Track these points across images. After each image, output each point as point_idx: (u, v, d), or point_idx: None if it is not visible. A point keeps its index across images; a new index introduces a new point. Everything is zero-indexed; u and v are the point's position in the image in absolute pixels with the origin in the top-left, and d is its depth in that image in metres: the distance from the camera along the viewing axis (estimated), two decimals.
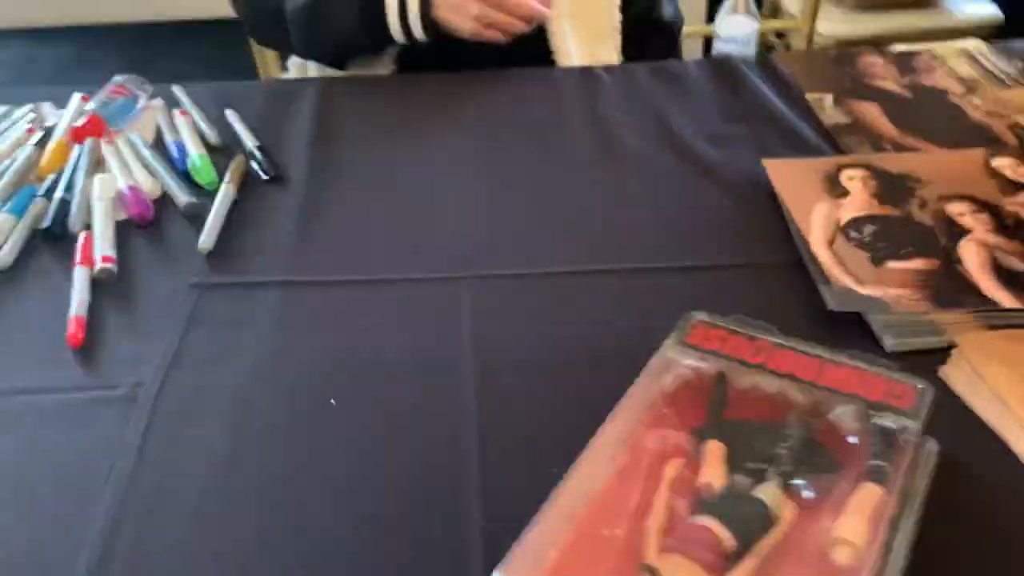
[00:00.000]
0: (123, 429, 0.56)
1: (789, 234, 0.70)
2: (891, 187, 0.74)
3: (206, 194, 0.79)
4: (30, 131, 0.87)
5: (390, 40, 0.98)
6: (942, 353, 0.59)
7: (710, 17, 1.60)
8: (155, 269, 0.71)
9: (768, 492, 0.47)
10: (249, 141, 0.85)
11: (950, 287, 0.63)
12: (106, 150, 0.83)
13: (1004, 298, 0.62)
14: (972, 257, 0.66)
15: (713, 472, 0.49)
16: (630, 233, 0.74)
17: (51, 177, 0.80)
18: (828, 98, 0.90)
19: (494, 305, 0.66)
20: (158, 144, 0.87)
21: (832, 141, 0.84)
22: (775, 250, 0.70)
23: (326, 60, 1.08)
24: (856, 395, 0.51)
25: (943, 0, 1.97)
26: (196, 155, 0.82)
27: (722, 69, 0.98)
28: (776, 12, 2.08)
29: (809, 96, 0.91)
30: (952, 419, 0.55)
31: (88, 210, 0.76)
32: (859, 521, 0.46)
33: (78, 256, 0.70)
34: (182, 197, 0.77)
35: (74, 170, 0.80)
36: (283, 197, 0.79)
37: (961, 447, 0.51)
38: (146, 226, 0.76)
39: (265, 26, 1.09)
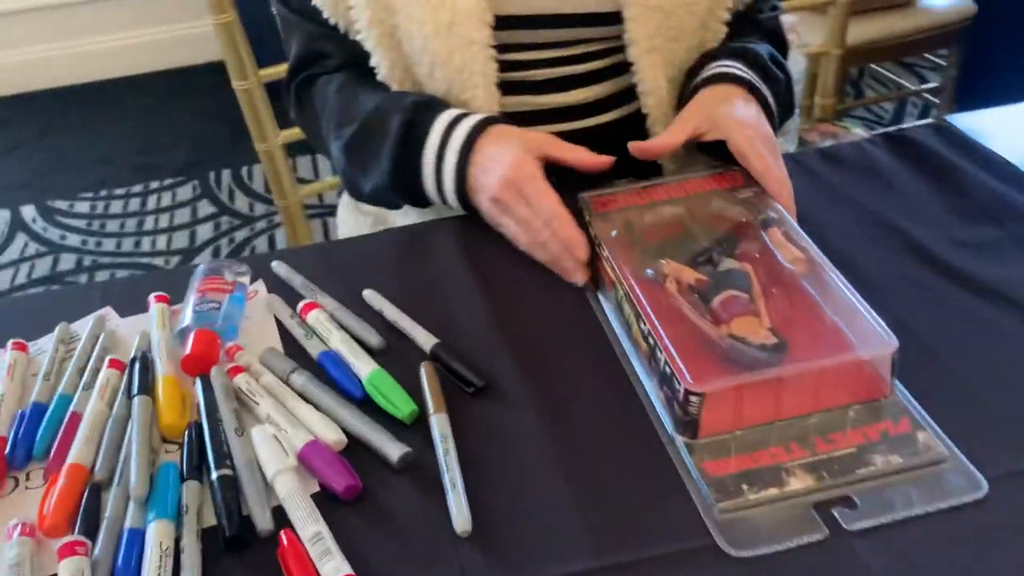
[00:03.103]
0: None
1: None
2: None
3: (404, 428, 0.59)
4: (117, 365, 0.64)
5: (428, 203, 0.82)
6: None
7: None
8: (404, 569, 0.51)
9: (731, 263, 0.65)
10: (424, 338, 0.66)
11: None
12: (243, 384, 0.62)
13: None
14: None
15: (689, 273, 0.64)
16: None
17: (183, 441, 0.58)
18: None
19: None
20: (293, 354, 0.66)
21: None
22: None
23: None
24: (718, 189, 0.73)
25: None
26: (372, 373, 0.62)
27: (902, 144, 0.85)
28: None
29: None
30: None
31: (266, 490, 0.55)
32: (789, 248, 0.66)
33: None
34: (393, 449, 0.57)
35: (215, 427, 0.58)
36: (501, 413, 0.60)
37: None
38: (354, 500, 0.55)
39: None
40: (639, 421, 0.59)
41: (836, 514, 0.52)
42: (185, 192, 2.40)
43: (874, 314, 0.58)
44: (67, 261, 2.17)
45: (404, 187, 0.80)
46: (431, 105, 0.79)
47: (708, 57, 0.85)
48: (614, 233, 0.69)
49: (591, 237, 0.69)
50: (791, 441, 0.55)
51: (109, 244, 2.22)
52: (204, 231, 2.25)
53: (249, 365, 0.64)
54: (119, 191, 2.42)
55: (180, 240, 2.22)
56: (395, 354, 0.66)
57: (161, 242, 2.22)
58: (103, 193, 2.41)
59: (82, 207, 2.37)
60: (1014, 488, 0.53)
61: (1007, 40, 2.02)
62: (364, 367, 0.62)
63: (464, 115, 0.77)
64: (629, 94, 0.89)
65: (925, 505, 0.52)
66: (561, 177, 0.74)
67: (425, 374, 0.62)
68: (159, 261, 2.15)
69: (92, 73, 2.93)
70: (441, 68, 0.80)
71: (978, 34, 1.97)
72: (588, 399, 0.61)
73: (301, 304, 0.69)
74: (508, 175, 0.72)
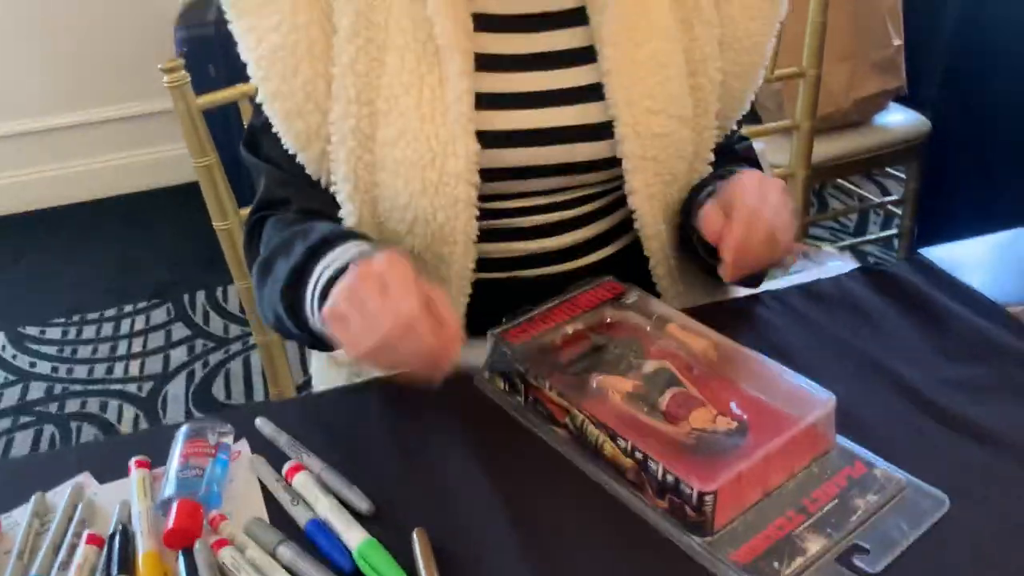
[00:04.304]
0: None
1: None
2: None
3: None
4: (96, 541, 0.61)
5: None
6: None
7: None
8: None
9: (653, 364, 0.70)
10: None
11: None
12: (227, 560, 0.59)
13: None
14: None
15: (623, 382, 0.69)
16: None
17: None
18: None
19: None
20: (279, 522, 0.63)
21: None
22: None
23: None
24: (606, 299, 0.79)
25: (873, 119, 2.00)
26: (362, 544, 0.60)
27: (882, 281, 0.86)
28: None
29: (1013, 309, 0.80)
30: None
31: None
32: (694, 338, 0.72)
33: None
34: None
35: None
36: None
37: None
38: None
39: None
40: (651, 546, 0.60)
41: (858, 562, 0.57)
42: (159, 315, 2.38)
43: (800, 376, 0.67)
44: (37, 389, 2.12)
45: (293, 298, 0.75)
46: (338, 239, 0.74)
47: (710, 178, 0.87)
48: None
49: (521, 372, 0.71)
50: (786, 509, 0.61)
51: (80, 371, 2.18)
52: (178, 355, 2.21)
53: (234, 537, 0.61)
54: (92, 315, 2.39)
55: (153, 365, 2.18)
56: (386, 519, 0.64)
57: (134, 367, 2.18)
58: (75, 318, 2.38)
59: (54, 333, 2.33)
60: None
61: (963, 154, 2.09)
62: (353, 537, 0.60)
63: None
64: (620, 228, 0.90)
65: (915, 530, 0.59)
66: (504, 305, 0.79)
67: (418, 542, 0.60)
68: (132, 387, 2.11)
69: (67, 196, 2.93)
70: (423, 225, 0.81)
71: (935, 148, 2.05)
72: (588, 544, 0.61)
73: (287, 466, 0.67)
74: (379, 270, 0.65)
